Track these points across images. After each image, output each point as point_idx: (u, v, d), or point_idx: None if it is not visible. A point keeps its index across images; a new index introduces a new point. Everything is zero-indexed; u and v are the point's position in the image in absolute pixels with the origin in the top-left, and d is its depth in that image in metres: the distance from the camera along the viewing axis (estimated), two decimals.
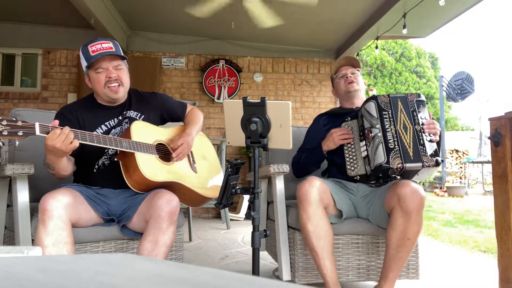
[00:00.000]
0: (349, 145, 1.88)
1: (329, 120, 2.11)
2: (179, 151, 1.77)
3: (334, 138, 1.88)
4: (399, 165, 1.67)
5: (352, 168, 1.85)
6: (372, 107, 1.80)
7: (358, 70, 2.09)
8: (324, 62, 5.51)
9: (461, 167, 9.64)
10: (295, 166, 2.09)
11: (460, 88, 9.29)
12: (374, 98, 1.81)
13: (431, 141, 1.73)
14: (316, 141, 1.99)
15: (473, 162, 9.35)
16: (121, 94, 1.76)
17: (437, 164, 1.69)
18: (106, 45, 1.69)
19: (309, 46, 5.38)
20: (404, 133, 1.74)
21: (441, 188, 8.83)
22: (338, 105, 2.29)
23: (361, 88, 2.08)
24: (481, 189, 9.29)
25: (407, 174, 1.75)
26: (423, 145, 1.71)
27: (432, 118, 1.83)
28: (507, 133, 1.43)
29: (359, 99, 2.06)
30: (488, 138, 1.50)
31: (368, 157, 1.78)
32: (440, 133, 1.78)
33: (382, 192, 1.80)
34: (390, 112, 1.77)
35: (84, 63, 1.71)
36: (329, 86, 5.51)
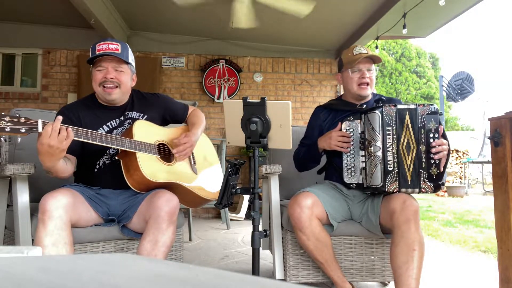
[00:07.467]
0: (348, 149, 1.78)
1: (330, 114, 2.00)
2: (182, 148, 1.77)
3: (331, 142, 1.78)
4: (395, 190, 1.66)
5: (349, 175, 1.79)
6: (375, 120, 1.67)
7: (374, 66, 1.90)
8: (324, 62, 5.51)
9: (461, 167, 9.63)
10: (296, 160, 2.04)
11: (460, 88, 9.28)
12: (379, 108, 1.67)
13: (435, 163, 1.62)
14: (315, 136, 1.93)
15: (473, 162, 9.34)
16: (116, 96, 1.73)
17: (435, 190, 1.63)
18: (113, 46, 1.68)
19: (309, 46, 5.37)
20: (406, 154, 1.65)
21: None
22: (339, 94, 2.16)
23: (372, 89, 1.93)
24: (481, 189, 9.28)
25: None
26: (424, 168, 1.62)
27: (444, 133, 1.67)
28: (507, 133, 1.43)
29: (365, 99, 1.95)
30: (488, 138, 1.50)
31: (366, 170, 1.72)
32: (449, 150, 1.65)
33: (377, 203, 1.76)
34: (394, 128, 1.65)
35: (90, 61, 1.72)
36: (329, 86, 5.50)
